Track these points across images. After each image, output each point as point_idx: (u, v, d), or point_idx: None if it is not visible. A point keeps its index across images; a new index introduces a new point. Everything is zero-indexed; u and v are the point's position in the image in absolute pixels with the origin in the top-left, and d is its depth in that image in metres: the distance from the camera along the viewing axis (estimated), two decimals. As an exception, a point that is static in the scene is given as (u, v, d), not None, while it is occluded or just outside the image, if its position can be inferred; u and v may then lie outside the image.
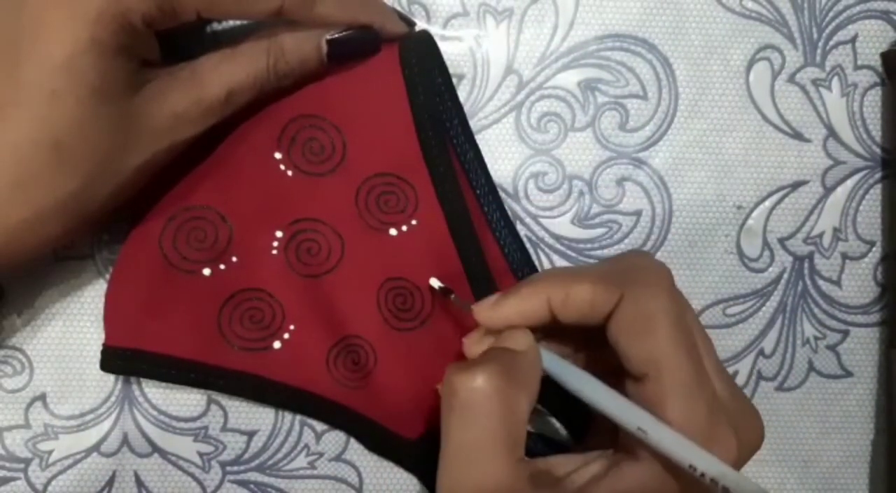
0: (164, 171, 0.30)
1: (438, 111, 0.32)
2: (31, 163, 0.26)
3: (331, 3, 0.29)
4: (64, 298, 0.33)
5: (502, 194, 0.34)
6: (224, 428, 0.34)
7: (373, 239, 0.32)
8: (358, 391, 0.32)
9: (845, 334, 0.36)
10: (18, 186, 0.26)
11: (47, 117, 0.25)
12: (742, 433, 0.27)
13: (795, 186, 0.35)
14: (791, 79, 0.35)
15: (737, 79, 0.35)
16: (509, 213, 0.34)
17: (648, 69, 0.34)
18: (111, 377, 0.33)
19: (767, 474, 0.36)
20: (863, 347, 0.36)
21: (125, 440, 0.34)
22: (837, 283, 0.36)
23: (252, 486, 0.34)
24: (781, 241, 0.35)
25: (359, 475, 0.34)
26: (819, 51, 0.35)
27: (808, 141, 0.35)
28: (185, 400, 0.34)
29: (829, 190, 0.35)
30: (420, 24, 0.33)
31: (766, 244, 0.35)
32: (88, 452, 0.34)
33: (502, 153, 0.34)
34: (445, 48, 0.33)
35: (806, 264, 0.35)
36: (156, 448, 0.34)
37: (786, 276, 0.35)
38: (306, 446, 0.34)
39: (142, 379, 0.33)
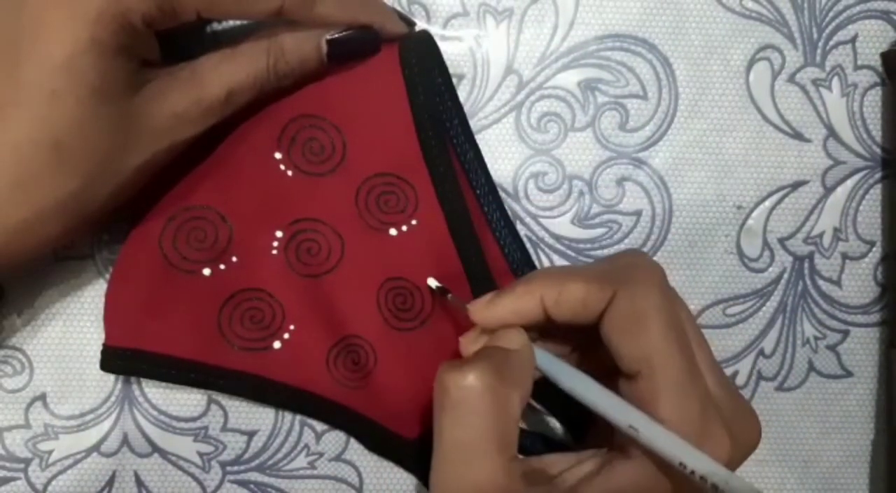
0: (164, 171, 0.30)
1: (438, 111, 0.32)
2: (31, 163, 0.26)
3: (331, 3, 0.29)
4: (64, 298, 0.33)
5: (502, 194, 0.34)
6: (224, 428, 0.34)
7: (373, 239, 0.32)
8: (358, 391, 0.32)
9: (845, 334, 0.36)
10: (18, 186, 0.26)
11: (47, 117, 0.25)
12: (737, 431, 0.27)
13: (795, 186, 0.35)
14: (791, 79, 0.35)
15: (737, 79, 0.35)
16: (509, 213, 0.34)
17: (648, 69, 0.34)
18: (111, 377, 0.33)
19: (767, 474, 0.36)
20: (863, 347, 0.36)
21: (125, 440, 0.34)
22: (837, 283, 0.36)
23: (252, 486, 0.34)
24: (781, 241, 0.35)
25: (359, 475, 0.34)
26: (819, 51, 0.35)
27: (808, 141, 0.35)
28: (185, 400, 0.34)
29: (829, 190, 0.35)
30: (420, 24, 0.33)
31: (766, 244, 0.35)
32: (88, 452, 0.34)
33: (502, 153, 0.34)
34: (445, 48, 0.33)
35: (806, 264, 0.35)
36: (156, 448, 0.34)
37: (786, 276, 0.35)
38: (306, 446, 0.34)
39: (142, 379, 0.33)
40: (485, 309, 0.29)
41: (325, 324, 0.32)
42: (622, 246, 0.35)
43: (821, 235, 0.35)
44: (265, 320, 0.32)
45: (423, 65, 0.31)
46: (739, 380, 0.35)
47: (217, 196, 0.31)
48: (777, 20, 0.34)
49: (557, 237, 0.35)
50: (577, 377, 0.28)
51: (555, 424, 0.35)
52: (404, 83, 0.31)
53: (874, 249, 0.36)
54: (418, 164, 0.31)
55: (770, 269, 0.35)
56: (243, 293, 0.32)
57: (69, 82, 0.25)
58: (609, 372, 0.28)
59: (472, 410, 0.26)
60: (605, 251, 0.35)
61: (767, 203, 0.35)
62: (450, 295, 0.31)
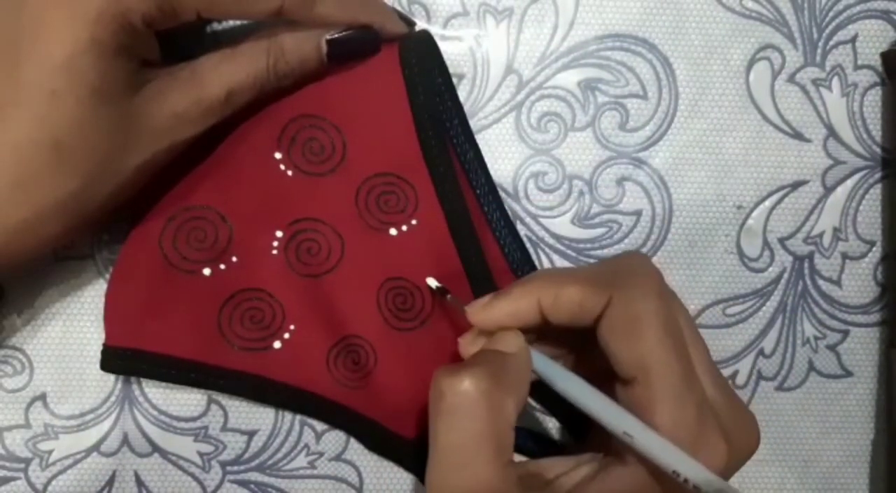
0: (164, 171, 0.30)
1: (438, 111, 0.32)
2: (31, 163, 0.25)
3: (331, 3, 0.29)
4: (64, 298, 0.33)
5: (502, 194, 0.34)
6: (224, 428, 0.34)
7: (373, 239, 0.32)
8: (358, 391, 0.32)
9: (845, 333, 0.36)
10: (18, 186, 0.26)
11: (47, 117, 0.25)
12: (734, 436, 0.27)
13: (795, 185, 0.35)
14: (791, 79, 0.35)
15: (737, 79, 0.34)
16: (509, 213, 0.34)
17: (648, 69, 0.34)
18: (111, 377, 0.33)
19: (767, 474, 0.36)
20: (863, 347, 0.36)
21: (125, 440, 0.34)
22: (837, 283, 0.36)
23: (252, 486, 0.34)
24: (781, 241, 0.35)
25: (359, 474, 0.34)
26: (819, 51, 0.35)
27: (808, 141, 0.35)
28: (185, 400, 0.34)
29: (829, 190, 0.35)
30: (420, 24, 0.33)
31: (766, 244, 0.35)
32: (88, 452, 0.34)
33: (502, 153, 0.34)
34: (445, 48, 0.33)
35: (806, 264, 0.35)
36: (156, 448, 0.34)
37: (786, 276, 0.35)
38: (306, 446, 0.34)
39: (142, 379, 0.33)
40: (482, 311, 0.29)
41: (326, 324, 0.32)
42: (622, 246, 0.35)
43: (821, 235, 0.35)
44: (265, 320, 0.32)
45: (423, 65, 0.31)
46: (739, 380, 0.35)
47: (217, 196, 0.31)
48: (777, 20, 0.34)
49: (557, 237, 0.35)
50: (572, 382, 0.28)
51: (555, 424, 0.35)
52: (404, 83, 0.31)
53: (874, 249, 0.36)
54: (418, 164, 0.31)
55: (770, 269, 0.35)
56: (243, 293, 0.32)
57: (69, 82, 0.25)
58: (606, 375, 0.28)
59: (468, 415, 0.26)
60: (606, 251, 0.35)
61: (767, 203, 0.35)
62: (449, 296, 0.31)
